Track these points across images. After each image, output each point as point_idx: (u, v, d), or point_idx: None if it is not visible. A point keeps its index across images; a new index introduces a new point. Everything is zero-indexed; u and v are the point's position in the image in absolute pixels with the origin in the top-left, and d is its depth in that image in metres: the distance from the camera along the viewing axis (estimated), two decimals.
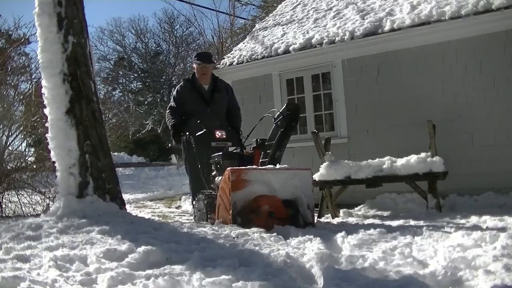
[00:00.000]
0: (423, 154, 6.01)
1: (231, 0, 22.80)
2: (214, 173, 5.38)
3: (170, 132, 6.09)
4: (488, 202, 6.14)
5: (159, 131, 29.25)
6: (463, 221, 4.96)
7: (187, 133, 5.75)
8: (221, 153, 5.28)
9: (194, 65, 6.24)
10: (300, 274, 2.72)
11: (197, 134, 5.58)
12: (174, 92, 6.33)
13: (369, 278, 2.62)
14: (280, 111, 4.93)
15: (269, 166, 4.71)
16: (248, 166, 4.75)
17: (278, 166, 4.72)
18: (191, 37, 33.58)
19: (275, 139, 4.91)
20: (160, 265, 2.85)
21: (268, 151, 4.97)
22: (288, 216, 4.42)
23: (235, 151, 5.66)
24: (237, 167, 4.60)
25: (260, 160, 5.03)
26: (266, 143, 5.10)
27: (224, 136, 5.61)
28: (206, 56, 6.52)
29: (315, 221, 4.89)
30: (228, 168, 4.47)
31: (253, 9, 29.08)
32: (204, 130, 5.52)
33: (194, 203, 5.72)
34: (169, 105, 6.29)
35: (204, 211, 5.09)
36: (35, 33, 4.81)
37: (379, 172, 6.10)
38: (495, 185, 6.33)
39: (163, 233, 3.83)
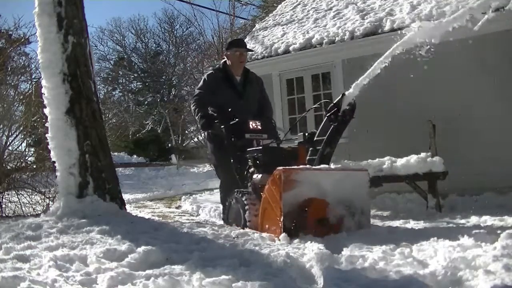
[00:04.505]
0: (423, 154, 6.01)
1: (231, 0, 22.81)
2: (251, 169, 4.71)
3: (201, 123, 5.29)
4: (488, 202, 6.14)
5: (159, 131, 29.26)
6: (463, 221, 4.96)
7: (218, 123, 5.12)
8: (260, 147, 4.72)
9: (228, 53, 5.57)
10: (300, 274, 2.72)
11: (231, 123, 4.94)
12: (202, 81, 5.60)
13: (369, 278, 2.62)
14: (334, 102, 4.42)
15: (323, 165, 4.20)
16: (301, 165, 4.19)
17: (332, 165, 4.29)
18: (191, 37, 33.60)
19: (325, 134, 4.38)
20: (160, 265, 2.85)
21: (318, 147, 4.44)
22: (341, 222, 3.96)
23: (275, 145, 4.94)
24: (289, 166, 4.03)
25: (308, 158, 4.52)
26: (315, 138, 4.56)
27: (259, 127, 5.01)
28: (243, 42, 5.93)
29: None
30: (280, 168, 3.89)
31: (253, 9, 29.08)
32: (237, 120, 4.97)
33: (230, 202, 4.77)
34: (196, 93, 5.51)
35: (241, 212, 4.43)
36: (35, 33, 4.82)
37: (379, 172, 6.10)
38: (495, 185, 6.33)
39: (163, 233, 3.83)
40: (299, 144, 4.68)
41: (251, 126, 4.97)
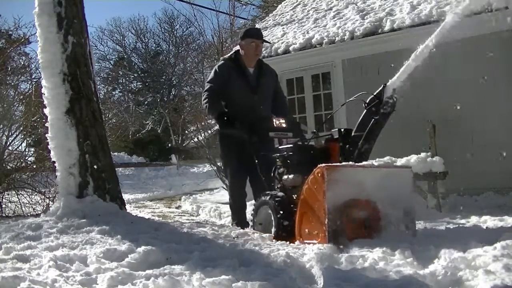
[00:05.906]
0: (423, 154, 6.01)
1: (231, 0, 22.81)
2: (281, 170, 4.33)
3: (219, 123, 4.96)
4: (488, 202, 6.15)
5: (159, 131, 29.26)
6: (463, 221, 4.97)
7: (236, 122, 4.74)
8: (290, 145, 4.41)
9: (243, 43, 5.08)
10: (300, 274, 2.72)
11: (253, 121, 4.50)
12: (213, 73, 5.12)
13: (369, 278, 2.61)
14: (375, 94, 4.13)
15: (366, 163, 3.92)
16: (343, 163, 3.91)
17: (375, 162, 4.01)
18: (191, 37, 33.68)
19: (364, 130, 4.07)
20: (160, 265, 2.84)
21: (352, 145, 4.13)
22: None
23: (302, 143, 4.58)
24: (333, 164, 3.73)
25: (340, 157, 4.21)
26: (353, 134, 4.21)
27: (283, 125, 4.69)
28: (260, 32, 5.38)
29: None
30: (322, 165, 3.51)
31: (253, 9, 29.08)
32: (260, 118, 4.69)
33: (258, 207, 4.32)
34: (207, 87, 5.05)
35: (273, 218, 3.99)
36: (35, 33, 4.82)
37: None
38: (495, 185, 6.34)
39: (163, 233, 3.83)
40: (329, 141, 4.34)
41: (275, 124, 4.67)
